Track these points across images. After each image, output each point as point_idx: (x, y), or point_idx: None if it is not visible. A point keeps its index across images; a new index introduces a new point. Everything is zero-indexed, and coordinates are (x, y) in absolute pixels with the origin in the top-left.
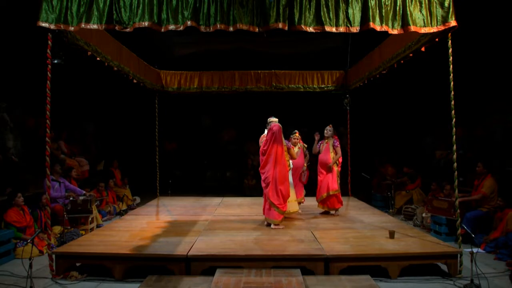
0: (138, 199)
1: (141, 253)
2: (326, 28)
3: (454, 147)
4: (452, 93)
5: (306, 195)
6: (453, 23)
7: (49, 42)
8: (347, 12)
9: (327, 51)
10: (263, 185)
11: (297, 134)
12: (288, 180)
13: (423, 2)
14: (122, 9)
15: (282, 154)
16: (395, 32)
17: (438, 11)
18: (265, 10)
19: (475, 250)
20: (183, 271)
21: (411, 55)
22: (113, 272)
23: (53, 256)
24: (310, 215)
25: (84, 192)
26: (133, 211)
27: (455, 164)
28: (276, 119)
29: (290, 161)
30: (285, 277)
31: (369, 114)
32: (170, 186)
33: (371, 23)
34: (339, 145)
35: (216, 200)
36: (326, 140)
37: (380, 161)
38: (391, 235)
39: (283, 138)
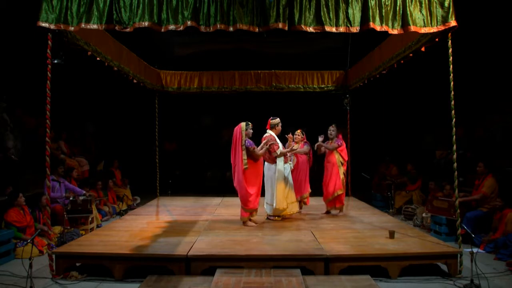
0: (138, 199)
1: (141, 253)
2: (326, 28)
3: (454, 147)
4: (452, 93)
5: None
6: (453, 23)
7: (49, 42)
8: (347, 12)
9: (327, 51)
10: None
11: (299, 131)
12: (242, 182)
13: (423, 2)
14: (122, 9)
15: (239, 156)
16: (395, 32)
17: (438, 11)
18: (265, 10)
19: (475, 250)
20: (183, 271)
21: (411, 55)
22: (113, 272)
23: (53, 256)
24: (310, 215)
25: (84, 192)
26: (133, 211)
27: (455, 164)
28: (278, 119)
29: (292, 162)
30: (285, 277)
31: (369, 114)
32: (170, 186)
33: (371, 23)
34: (339, 144)
35: (216, 200)
36: (331, 141)
37: (385, 162)
38: (391, 235)
39: (242, 138)
